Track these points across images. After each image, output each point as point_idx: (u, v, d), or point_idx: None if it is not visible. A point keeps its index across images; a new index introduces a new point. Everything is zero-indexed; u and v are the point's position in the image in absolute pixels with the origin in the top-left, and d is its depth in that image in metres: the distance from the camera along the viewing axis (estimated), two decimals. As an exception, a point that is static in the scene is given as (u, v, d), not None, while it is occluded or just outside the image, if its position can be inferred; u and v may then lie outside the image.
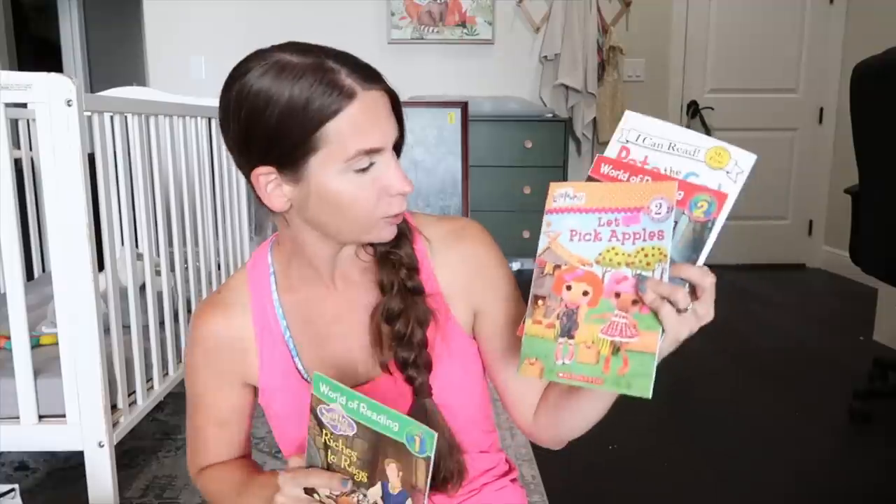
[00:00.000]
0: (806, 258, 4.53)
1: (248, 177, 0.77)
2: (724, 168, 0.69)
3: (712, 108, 4.29)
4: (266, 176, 0.74)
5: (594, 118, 4.13)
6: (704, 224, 0.67)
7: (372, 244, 0.84)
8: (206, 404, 0.91)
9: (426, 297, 0.83)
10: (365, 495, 0.72)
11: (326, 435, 0.73)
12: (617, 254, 0.66)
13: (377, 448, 0.70)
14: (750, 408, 2.35)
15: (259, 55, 0.74)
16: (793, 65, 4.37)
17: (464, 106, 3.53)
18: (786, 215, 4.53)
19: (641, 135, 0.73)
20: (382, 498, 0.71)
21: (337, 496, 0.73)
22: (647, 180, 0.69)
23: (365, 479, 0.72)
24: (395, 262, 0.83)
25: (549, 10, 4.14)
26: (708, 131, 4.26)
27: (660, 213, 0.65)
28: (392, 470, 0.69)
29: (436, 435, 0.66)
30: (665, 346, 0.66)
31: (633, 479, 1.90)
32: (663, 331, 0.64)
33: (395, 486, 0.70)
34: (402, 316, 0.81)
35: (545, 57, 4.14)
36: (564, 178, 3.90)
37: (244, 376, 0.89)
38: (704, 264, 0.66)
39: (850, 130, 2.15)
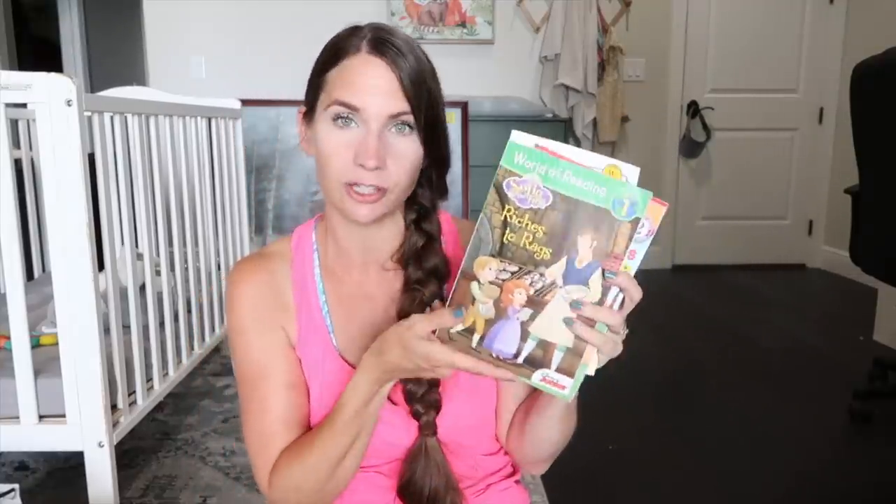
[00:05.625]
0: (806, 258, 4.53)
1: None
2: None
3: (712, 108, 4.29)
4: (301, 114, 0.84)
5: (594, 118, 4.12)
6: None
7: (399, 255, 0.86)
8: (266, 371, 0.83)
9: None
10: (542, 274, 0.65)
11: (509, 211, 0.65)
12: None
13: (572, 218, 0.64)
14: (750, 408, 2.35)
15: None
16: (793, 65, 4.37)
17: (464, 106, 3.53)
18: (786, 215, 4.53)
19: None
20: (564, 275, 0.65)
21: (504, 281, 0.66)
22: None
23: (547, 256, 0.65)
24: (415, 294, 0.81)
25: (549, 10, 4.14)
26: (708, 131, 4.26)
27: None
28: (585, 241, 0.64)
29: (650, 195, 0.63)
30: None
31: (632, 479, 1.90)
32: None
33: (583, 258, 0.64)
34: None
35: (545, 57, 4.14)
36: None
37: (288, 336, 0.86)
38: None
39: (850, 130, 2.15)
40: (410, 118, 0.76)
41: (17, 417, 1.49)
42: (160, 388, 1.83)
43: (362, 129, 0.76)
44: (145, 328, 1.77)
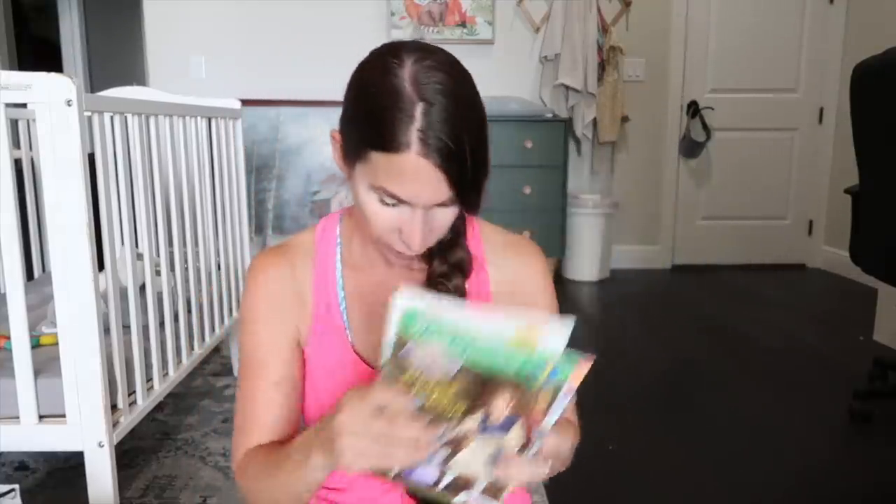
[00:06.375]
0: (806, 258, 4.53)
1: None
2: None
3: (712, 108, 4.29)
4: (335, 142, 0.79)
5: (594, 118, 4.13)
6: None
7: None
8: (263, 362, 0.86)
9: None
10: (459, 422, 0.61)
11: (412, 376, 0.60)
12: None
13: (486, 384, 0.60)
14: (750, 408, 2.35)
15: (393, 47, 0.76)
16: (793, 65, 4.37)
17: (464, 106, 3.52)
18: (786, 215, 4.53)
19: None
20: (480, 426, 0.60)
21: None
22: None
23: (462, 409, 0.60)
24: (439, 288, 0.82)
25: (549, 10, 4.14)
26: (708, 131, 4.26)
27: None
28: (501, 403, 0.60)
29: (576, 360, 0.59)
30: None
31: (632, 479, 1.90)
32: None
33: (499, 417, 0.60)
34: None
35: (545, 57, 4.14)
36: (564, 178, 3.90)
37: (298, 333, 0.87)
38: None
39: (850, 130, 2.15)
40: (456, 199, 0.74)
41: (17, 417, 1.49)
42: (160, 388, 1.82)
43: (407, 208, 0.74)
44: (145, 328, 1.77)
